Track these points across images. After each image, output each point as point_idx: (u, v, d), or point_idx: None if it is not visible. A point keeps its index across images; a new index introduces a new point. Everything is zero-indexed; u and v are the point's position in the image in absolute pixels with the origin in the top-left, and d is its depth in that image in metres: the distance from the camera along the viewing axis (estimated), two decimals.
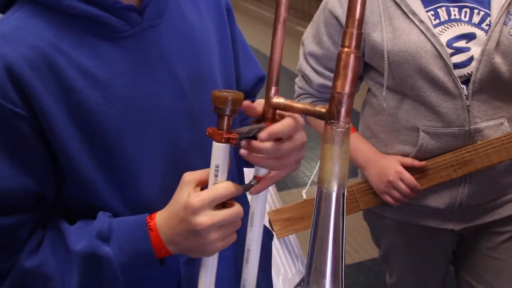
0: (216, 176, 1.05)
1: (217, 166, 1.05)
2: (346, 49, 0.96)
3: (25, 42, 1.04)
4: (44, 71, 1.04)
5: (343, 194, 0.96)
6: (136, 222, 1.10)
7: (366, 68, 1.98)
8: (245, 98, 1.37)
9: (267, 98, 1.10)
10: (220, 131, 1.04)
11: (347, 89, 0.96)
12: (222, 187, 1.05)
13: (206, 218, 1.03)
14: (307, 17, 9.10)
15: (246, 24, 9.89)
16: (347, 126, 0.97)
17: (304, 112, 1.06)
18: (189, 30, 1.24)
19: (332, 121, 0.97)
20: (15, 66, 1.02)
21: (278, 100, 1.09)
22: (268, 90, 1.10)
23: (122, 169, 1.13)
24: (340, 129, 0.97)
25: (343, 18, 1.88)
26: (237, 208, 1.07)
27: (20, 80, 1.02)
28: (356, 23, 0.96)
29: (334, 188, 0.95)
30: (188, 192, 1.05)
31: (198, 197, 1.04)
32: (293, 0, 9.24)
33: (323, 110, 1.00)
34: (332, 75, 1.93)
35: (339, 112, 0.96)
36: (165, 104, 1.17)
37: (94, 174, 1.11)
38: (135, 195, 1.15)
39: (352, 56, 0.96)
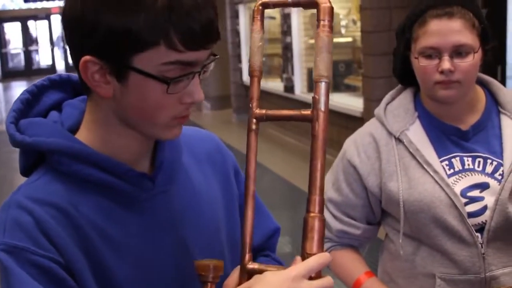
0: None
1: None
2: (311, 214, 1.09)
3: (49, 202, 1.16)
4: (67, 226, 1.15)
5: None
6: None
7: (383, 214, 2.05)
8: (261, 252, 1.45)
9: (242, 265, 1.17)
10: None
11: (315, 249, 1.08)
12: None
13: (306, 285, 1.08)
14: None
15: (270, 150, 10.09)
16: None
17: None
18: (196, 195, 1.35)
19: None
20: (42, 219, 1.13)
21: (252, 265, 1.16)
22: (242, 257, 1.17)
23: None
24: (315, 283, 1.08)
25: (361, 167, 1.97)
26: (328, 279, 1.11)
27: (48, 231, 1.13)
28: (317, 190, 1.09)
29: None
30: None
31: (294, 269, 1.09)
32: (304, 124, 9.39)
33: None
34: (352, 221, 2.01)
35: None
36: (173, 266, 1.26)
37: None
38: None
39: (316, 219, 1.09)
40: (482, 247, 1.87)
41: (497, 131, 1.95)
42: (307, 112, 1.14)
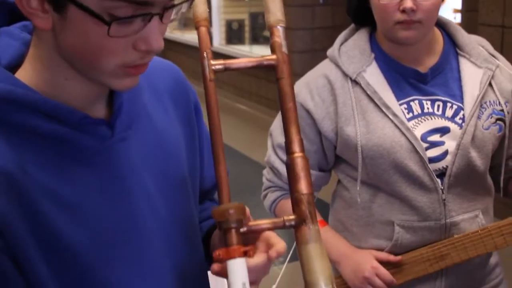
0: None
1: (244, 284, 0.96)
2: (296, 154, 1.03)
3: None
4: (12, 193, 0.97)
5: None
6: None
7: (337, 161, 1.96)
8: (205, 197, 1.33)
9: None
10: (233, 247, 0.96)
11: (310, 189, 1.02)
12: None
13: None
14: (247, 95, 9.14)
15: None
16: (318, 224, 1.01)
17: (273, 228, 1.05)
18: (158, 136, 1.19)
19: (306, 222, 0.99)
20: None
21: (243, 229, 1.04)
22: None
23: None
24: (316, 227, 1.00)
25: (315, 111, 1.87)
26: None
27: None
28: (295, 130, 1.06)
29: (330, 284, 0.97)
30: None
31: None
32: (252, 86, 9.30)
33: (292, 217, 1.01)
34: None
35: (311, 212, 1.00)
36: (138, 222, 1.11)
37: None
38: None
39: (303, 159, 1.03)
40: (442, 192, 1.81)
41: (456, 74, 1.89)
42: (272, 57, 1.09)
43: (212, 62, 1.06)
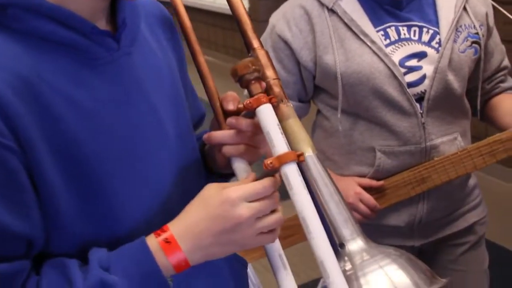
0: (282, 133, 1.04)
1: (278, 125, 1.05)
2: (258, 48, 1.15)
3: (6, 69, 0.96)
4: (29, 99, 0.97)
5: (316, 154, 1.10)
6: (137, 245, 1.04)
7: (316, 91, 1.98)
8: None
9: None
10: (261, 94, 1.07)
11: (277, 75, 1.14)
12: (259, 185, 1.03)
13: (245, 210, 1.02)
14: (213, 46, 9.11)
15: None
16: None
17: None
18: (155, 59, 1.22)
19: (283, 100, 1.11)
20: (1, 94, 0.93)
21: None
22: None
23: (106, 207, 1.06)
24: (291, 105, 1.12)
25: (293, 41, 1.88)
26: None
27: (7, 109, 0.94)
28: (251, 29, 1.17)
29: (315, 151, 1.10)
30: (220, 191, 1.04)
31: (235, 191, 1.02)
32: (219, 37, 9.22)
33: (273, 99, 1.10)
34: None
35: (284, 92, 1.12)
36: (146, 136, 1.13)
37: (75, 213, 1.03)
38: (116, 232, 1.09)
39: (265, 51, 1.15)
40: (422, 116, 1.84)
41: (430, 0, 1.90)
42: None
43: None
